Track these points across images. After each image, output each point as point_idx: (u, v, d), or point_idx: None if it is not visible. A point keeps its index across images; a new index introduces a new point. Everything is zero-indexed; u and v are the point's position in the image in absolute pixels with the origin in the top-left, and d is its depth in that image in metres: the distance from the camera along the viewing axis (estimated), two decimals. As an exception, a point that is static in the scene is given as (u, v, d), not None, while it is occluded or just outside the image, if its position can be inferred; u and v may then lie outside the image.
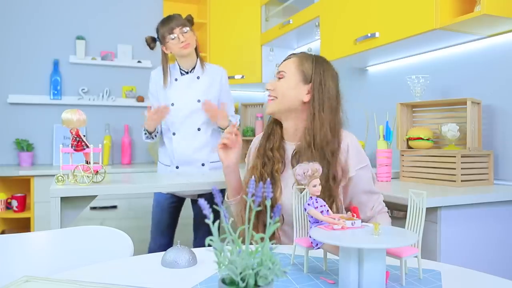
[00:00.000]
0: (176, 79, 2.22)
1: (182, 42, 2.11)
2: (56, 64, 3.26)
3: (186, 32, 2.12)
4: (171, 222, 2.33)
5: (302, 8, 2.64)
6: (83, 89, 3.33)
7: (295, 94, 1.30)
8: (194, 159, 2.21)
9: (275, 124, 1.37)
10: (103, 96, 3.37)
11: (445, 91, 2.04)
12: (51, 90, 3.24)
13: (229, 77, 3.13)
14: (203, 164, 2.23)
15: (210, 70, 2.26)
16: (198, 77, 2.22)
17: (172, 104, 2.18)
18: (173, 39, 2.11)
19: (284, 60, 1.37)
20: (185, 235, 2.47)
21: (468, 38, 1.88)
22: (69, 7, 3.33)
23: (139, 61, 3.49)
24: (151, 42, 2.21)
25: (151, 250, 2.31)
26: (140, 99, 3.45)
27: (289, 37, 2.93)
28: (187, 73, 2.22)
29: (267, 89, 1.34)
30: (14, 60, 3.19)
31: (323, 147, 1.23)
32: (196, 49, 2.22)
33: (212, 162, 2.24)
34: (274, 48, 3.16)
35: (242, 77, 3.19)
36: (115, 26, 3.47)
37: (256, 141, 1.45)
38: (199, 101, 2.17)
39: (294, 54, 1.36)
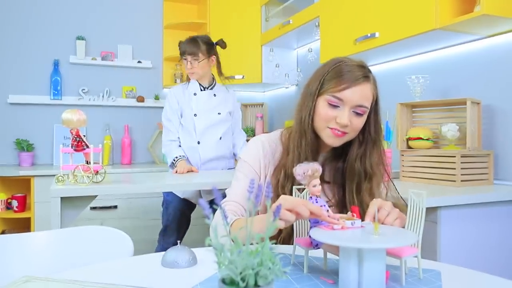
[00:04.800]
0: (195, 94, 2.41)
1: (189, 68, 2.36)
2: (56, 64, 3.26)
3: (195, 61, 2.33)
4: (180, 223, 2.43)
5: (302, 8, 2.65)
6: (83, 89, 3.34)
7: None
8: (216, 166, 2.42)
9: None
10: (103, 96, 3.37)
11: (445, 91, 2.04)
12: (51, 90, 3.24)
13: (229, 77, 3.16)
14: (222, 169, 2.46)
15: (228, 92, 2.49)
16: (215, 95, 2.44)
17: (195, 115, 2.39)
18: (184, 60, 2.36)
19: (359, 80, 1.06)
20: (187, 236, 2.48)
21: (468, 38, 1.88)
22: (70, 8, 3.33)
23: (139, 61, 3.49)
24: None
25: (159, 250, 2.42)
26: (140, 99, 3.45)
27: (289, 37, 2.93)
28: (205, 89, 2.43)
29: (344, 125, 1.07)
30: (15, 60, 3.19)
31: None
32: (218, 68, 2.45)
33: (229, 168, 2.46)
34: (274, 48, 3.16)
35: (243, 77, 3.19)
36: (115, 26, 3.47)
37: (266, 144, 1.21)
38: (219, 113, 2.41)
39: (368, 75, 1.09)
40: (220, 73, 2.47)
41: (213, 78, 2.48)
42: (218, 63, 2.46)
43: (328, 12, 2.37)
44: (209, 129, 2.39)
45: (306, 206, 0.81)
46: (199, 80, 2.42)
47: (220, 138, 2.42)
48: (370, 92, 1.08)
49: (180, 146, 2.41)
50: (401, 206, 1.16)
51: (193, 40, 2.36)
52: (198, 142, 2.39)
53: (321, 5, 2.43)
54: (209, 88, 2.44)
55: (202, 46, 2.34)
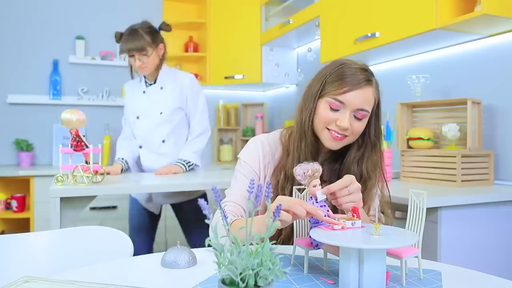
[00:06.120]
0: (144, 92, 2.18)
1: (138, 66, 2.07)
2: (55, 64, 3.26)
3: (144, 56, 2.06)
4: (147, 225, 2.27)
5: (302, 7, 2.64)
6: (83, 89, 3.33)
7: None
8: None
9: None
10: (102, 96, 3.37)
11: (445, 91, 2.04)
12: (50, 90, 3.24)
13: (229, 77, 3.16)
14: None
15: (176, 78, 2.19)
16: (161, 88, 2.17)
17: (138, 117, 2.17)
18: (131, 57, 2.08)
19: (361, 84, 1.05)
20: (182, 236, 2.47)
21: (468, 38, 1.88)
22: (69, 7, 3.33)
23: (139, 61, 3.48)
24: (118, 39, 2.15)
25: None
26: (140, 99, 3.45)
27: (289, 37, 2.93)
28: (151, 84, 2.18)
29: (344, 128, 1.06)
30: (14, 60, 3.18)
31: None
32: (162, 57, 2.17)
33: (175, 173, 2.14)
34: (274, 48, 3.16)
35: (242, 77, 3.18)
36: (114, 26, 3.44)
37: (266, 144, 1.19)
38: (161, 113, 2.13)
39: (371, 79, 1.08)
40: (163, 59, 2.17)
41: (158, 67, 2.17)
42: (165, 49, 2.17)
43: (328, 11, 2.37)
44: (151, 132, 2.15)
45: (302, 206, 0.81)
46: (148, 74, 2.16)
47: (163, 141, 2.16)
48: (372, 96, 1.07)
49: (130, 144, 2.22)
50: (385, 209, 1.17)
51: (134, 34, 2.05)
52: (140, 147, 2.19)
53: (321, 4, 2.43)
54: (155, 82, 2.17)
55: (147, 37, 2.06)
